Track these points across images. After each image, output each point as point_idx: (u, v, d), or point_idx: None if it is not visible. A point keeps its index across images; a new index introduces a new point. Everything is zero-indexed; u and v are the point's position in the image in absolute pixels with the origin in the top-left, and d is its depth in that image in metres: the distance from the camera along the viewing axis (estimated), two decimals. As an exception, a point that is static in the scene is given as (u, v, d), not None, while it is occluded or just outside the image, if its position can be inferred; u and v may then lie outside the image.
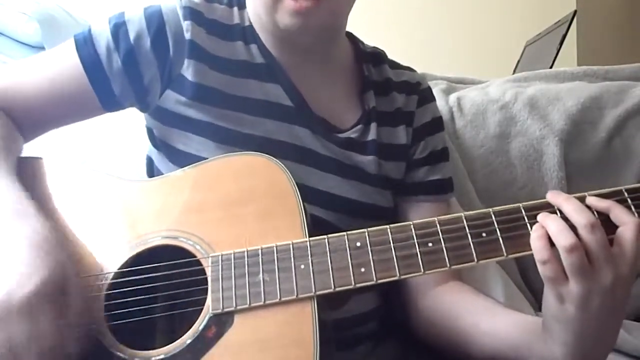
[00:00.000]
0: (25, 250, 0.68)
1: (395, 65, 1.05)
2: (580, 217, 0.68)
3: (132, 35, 0.88)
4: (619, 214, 0.69)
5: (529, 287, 1.30)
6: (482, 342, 0.84)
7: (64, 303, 0.68)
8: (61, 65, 0.89)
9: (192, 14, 0.90)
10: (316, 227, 0.77)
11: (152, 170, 0.99)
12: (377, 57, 1.04)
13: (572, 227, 0.68)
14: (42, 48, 1.96)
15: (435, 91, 1.37)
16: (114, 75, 0.88)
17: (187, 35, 0.89)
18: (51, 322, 0.66)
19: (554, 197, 0.72)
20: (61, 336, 0.67)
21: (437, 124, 1.04)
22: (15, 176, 0.79)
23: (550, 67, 1.82)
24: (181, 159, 0.89)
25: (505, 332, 0.81)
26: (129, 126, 1.13)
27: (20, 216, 0.73)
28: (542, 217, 0.71)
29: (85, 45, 0.88)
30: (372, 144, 0.95)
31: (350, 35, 1.04)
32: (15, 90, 0.88)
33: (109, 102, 0.90)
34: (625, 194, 0.73)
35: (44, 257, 0.68)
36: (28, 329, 0.65)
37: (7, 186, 0.76)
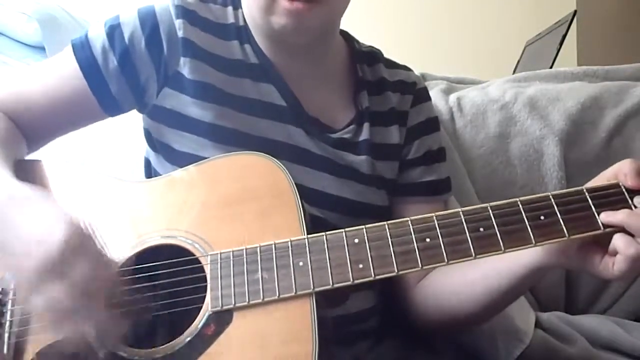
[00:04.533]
0: (46, 212, 0.71)
1: (391, 65, 1.05)
2: None
3: (126, 36, 0.89)
4: None
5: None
6: (473, 293, 0.87)
7: (95, 248, 0.72)
8: (60, 71, 0.91)
9: (185, 12, 0.91)
10: (314, 226, 0.77)
11: (150, 172, 0.99)
12: (372, 56, 1.04)
13: None
14: (42, 48, 1.96)
15: (435, 91, 1.37)
16: (111, 75, 0.89)
17: (180, 34, 0.90)
18: (90, 267, 0.69)
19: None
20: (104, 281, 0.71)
21: (432, 123, 1.04)
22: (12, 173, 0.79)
23: (550, 67, 1.82)
24: (179, 158, 0.89)
25: (492, 267, 0.83)
26: (126, 129, 1.13)
27: (30, 194, 0.75)
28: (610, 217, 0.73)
29: (82, 49, 0.90)
30: (364, 143, 0.95)
31: (345, 35, 1.04)
32: (18, 99, 0.90)
33: (108, 104, 0.91)
34: (622, 188, 0.74)
35: (63, 215, 0.71)
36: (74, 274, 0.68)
37: (7, 176, 0.77)
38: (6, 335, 0.75)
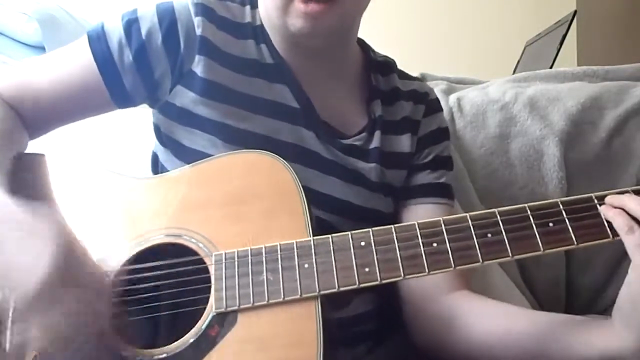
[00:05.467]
0: (15, 244, 0.67)
1: (404, 76, 1.06)
2: None
3: (143, 31, 0.89)
4: None
5: (528, 287, 1.30)
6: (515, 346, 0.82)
7: (74, 288, 0.66)
8: (74, 60, 0.90)
9: (204, 10, 0.91)
10: (319, 228, 0.77)
11: (157, 167, 0.99)
12: (386, 66, 1.04)
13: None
14: (42, 48, 1.96)
15: (435, 91, 1.38)
16: (125, 70, 0.89)
17: (198, 32, 0.89)
18: (66, 312, 0.65)
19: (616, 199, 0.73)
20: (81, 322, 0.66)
21: (442, 133, 1.04)
22: (4, 171, 0.76)
23: (550, 67, 1.82)
24: (187, 155, 0.89)
25: (548, 330, 0.79)
26: (134, 123, 1.13)
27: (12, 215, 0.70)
28: (614, 198, 0.72)
29: (98, 40, 0.89)
30: (374, 151, 0.95)
31: (361, 43, 1.04)
32: (27, 85, 0.89)
33: (120, 97, 0.91)
34: (632, 194, 0.73)
35: (39, 246, 0.66)
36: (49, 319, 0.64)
37: None
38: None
